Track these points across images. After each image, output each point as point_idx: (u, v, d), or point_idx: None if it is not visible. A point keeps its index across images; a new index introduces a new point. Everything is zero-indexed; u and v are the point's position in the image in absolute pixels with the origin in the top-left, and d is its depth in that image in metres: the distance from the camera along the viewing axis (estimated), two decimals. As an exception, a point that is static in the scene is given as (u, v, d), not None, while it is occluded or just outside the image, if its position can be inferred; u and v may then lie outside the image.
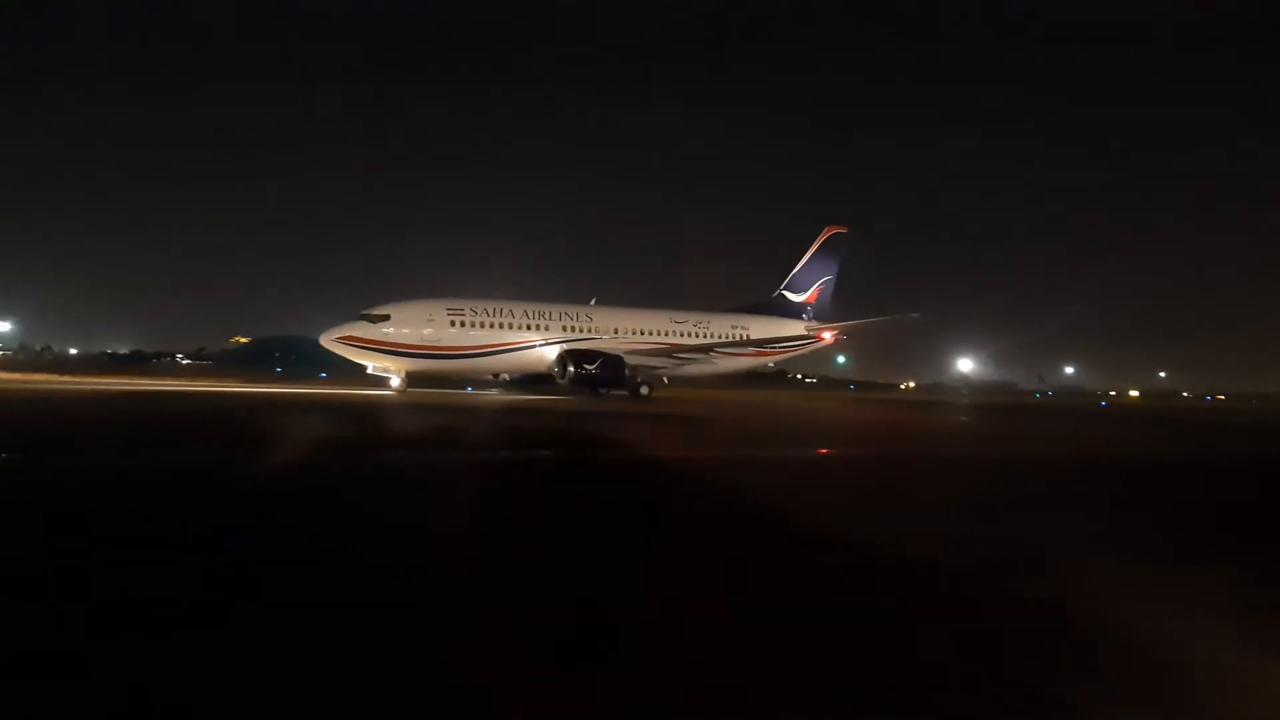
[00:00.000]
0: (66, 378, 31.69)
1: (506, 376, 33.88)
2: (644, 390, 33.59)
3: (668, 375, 36.45)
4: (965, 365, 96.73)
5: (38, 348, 78.94)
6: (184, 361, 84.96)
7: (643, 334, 34.66)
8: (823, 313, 40.75)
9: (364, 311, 29.34)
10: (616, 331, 34.00)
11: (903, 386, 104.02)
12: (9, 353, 69.00)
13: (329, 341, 28.92)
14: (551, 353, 31.99)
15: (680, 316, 36.19)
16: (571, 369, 30.72)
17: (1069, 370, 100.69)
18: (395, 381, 29.33)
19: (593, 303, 35.10)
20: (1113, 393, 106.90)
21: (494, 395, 30.08)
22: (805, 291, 40.55)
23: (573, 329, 33.00)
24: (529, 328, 32.02)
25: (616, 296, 37.54)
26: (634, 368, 33.08)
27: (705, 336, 36.27)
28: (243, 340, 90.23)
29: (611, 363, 31.56)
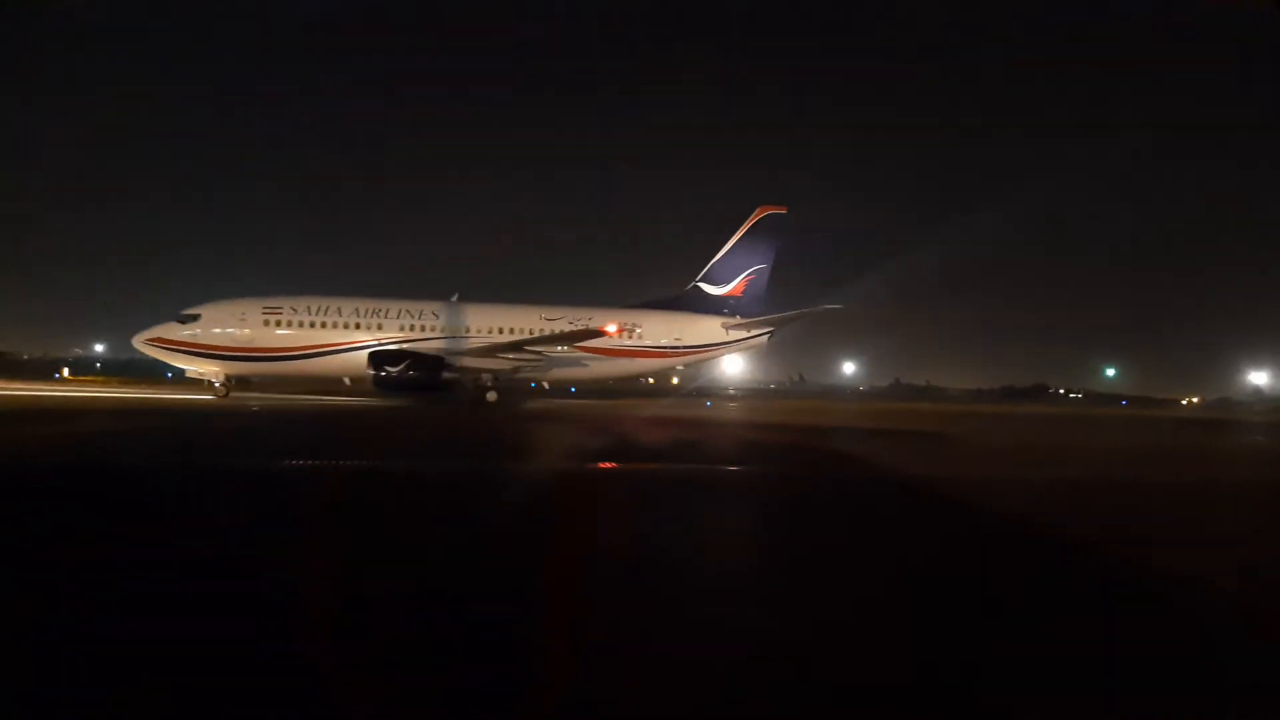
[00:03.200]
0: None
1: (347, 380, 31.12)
2: (490, 396, 30.07)
3: (546, 380, 32.49)
4: (1259, 378, 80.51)
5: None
6: None
7: (503, 333, 31.05)
8: (752, 308, 33.26)
9: (180, 312, 28.94)
10: (469, 330, 30.85)
11: (1184, 402, 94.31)
12: None
13: (140, 343, 28.85)
14: None
15: (553, 313, 31.77)
16: (372, 372, 28.30)
17: None
18: (216, 385, 29.04)
19: (454, 299, 32.18)
20: None
21: (298, 399, 28.94)
22: (728, 283, 33.44)
23: (416, 328, 30.48)
24: (359, 327, 30.13)
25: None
26: (469, 370, 29.75)
27: (584, 336, 31.46)
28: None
29: (422, 364, 28.54)
